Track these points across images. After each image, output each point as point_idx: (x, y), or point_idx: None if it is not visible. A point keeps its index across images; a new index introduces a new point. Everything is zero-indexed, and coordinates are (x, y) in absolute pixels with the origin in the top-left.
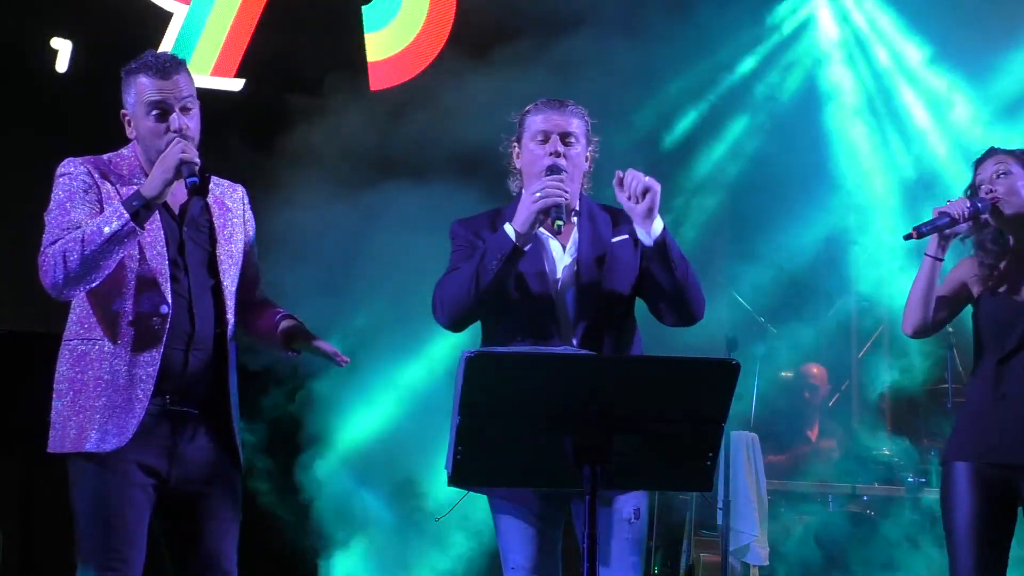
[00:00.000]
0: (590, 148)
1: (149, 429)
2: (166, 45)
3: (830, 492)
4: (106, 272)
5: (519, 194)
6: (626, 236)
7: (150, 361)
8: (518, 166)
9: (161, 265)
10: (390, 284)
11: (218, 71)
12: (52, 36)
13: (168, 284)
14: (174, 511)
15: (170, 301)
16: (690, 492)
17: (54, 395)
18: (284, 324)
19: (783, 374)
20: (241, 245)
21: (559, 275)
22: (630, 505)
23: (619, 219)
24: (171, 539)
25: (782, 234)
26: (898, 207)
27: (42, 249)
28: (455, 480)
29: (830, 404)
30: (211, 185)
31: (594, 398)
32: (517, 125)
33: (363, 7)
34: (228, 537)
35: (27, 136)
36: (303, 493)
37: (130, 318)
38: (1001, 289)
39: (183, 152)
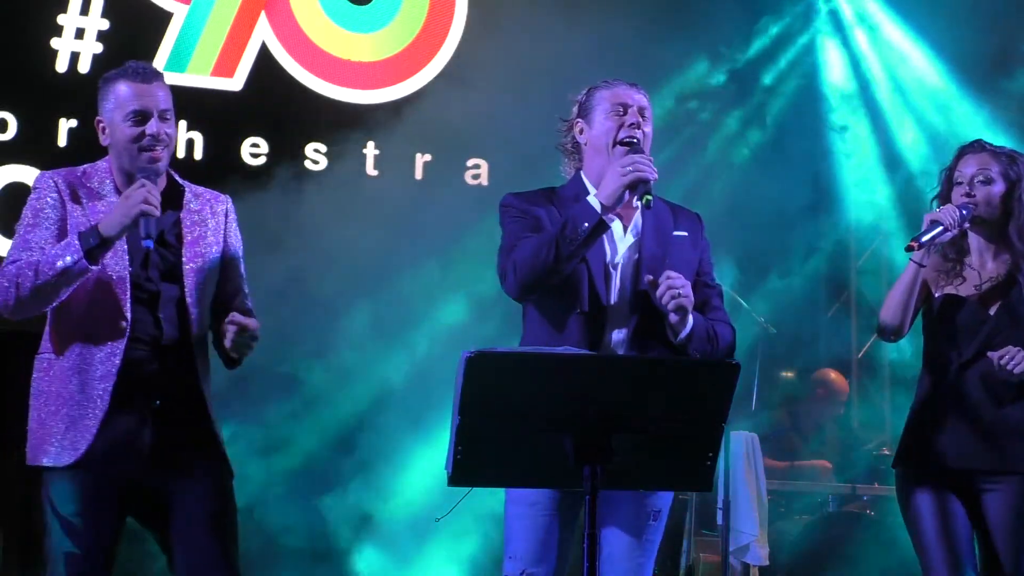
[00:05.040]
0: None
1: (122, 436)
2: (166, 45)
3: (830, 492)
4: (58, 300)
5: (575, 175)
6: (686, 233)
7: (106, 376)
8: (581, 141)
9: (122, 279)
10: None
11: (218, 71)
12: (52, 36)
13: (128, 298)
14: (157, 513)
15: (129, 316)
16: (690, 492)
17: (30, 407)
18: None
19: (783, 374)
20: (216, 256)
21: (620, 257)
22: (648, 506)
23: (678, 215)
24: (162, 540)
25: (783, 231)
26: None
27: (2, 266)
28: (455, 480)
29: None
30: (188, 196)
31: (594, 398)
32: (578, 104)
33: (362, 7)
34: (222, 533)
35: (25, 132)
36: None
37: (89, 333)
38: (962, 292)
39: (145, 203)
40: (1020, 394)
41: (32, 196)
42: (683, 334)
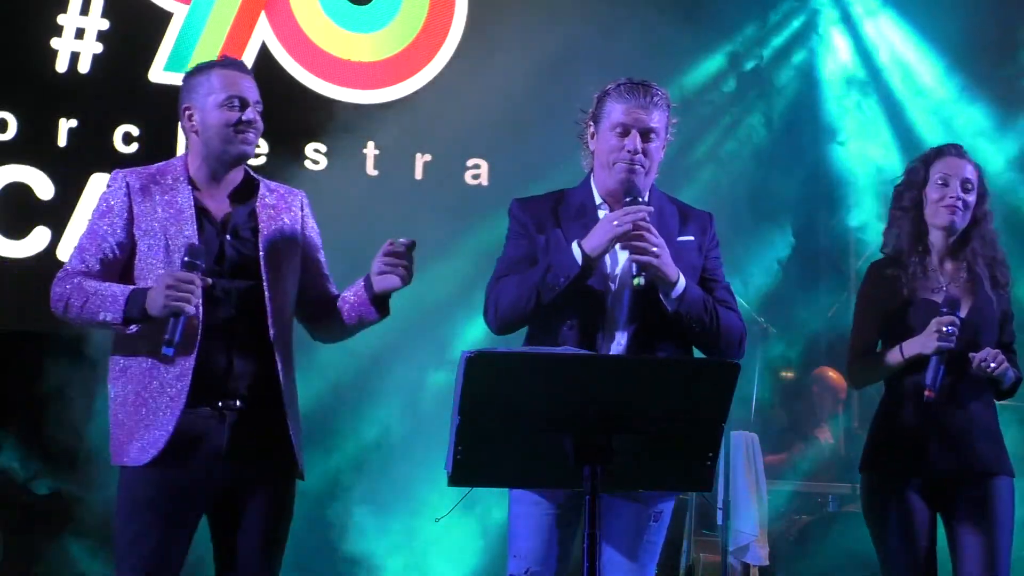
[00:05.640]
0: (668, 135)
1: (200, 434)
2: (166, 45)
3: (830, 492)
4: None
5: (587, 177)
6: (692, 238)
7: (182, 374)
8: (591, 147)
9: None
10: None
11: None
12: (52, 36)
13: (201, 295)
14: (221, 510)
15: (202, 314)
16: (690, 492)
17: (109, 409)
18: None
19: (783, 374)
20: (295, 250)
21: (618, 270)
22: (650, 508)
23: (688, 217)
24: (215, 537)
25: (783, 231)
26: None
27: (66, 264)
28: (455, 480)
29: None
30: (262, 191)
31: (594, 398)
32: (595, 102)
33: (362, 7)
34: (270, 538)
35: (25, 132)
36: None
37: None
38: (927, 295)
39: (185, 302)
40: (988, 396)
41: (102, 195)
42: (674, 294)
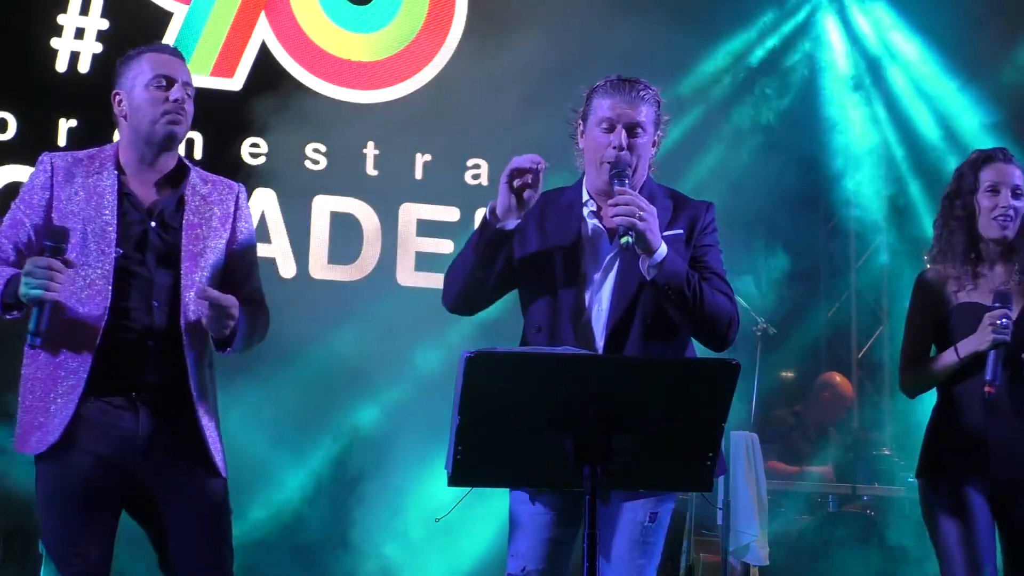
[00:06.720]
0: (658, 132)
1: (107, 424)
2: None
3: (830, 492)
4: None
5: (580, 179)
6: (680, 231)
7: (82, 362)
8: (580, 146)
9: (105, 263)
10: None
11: (218, 71)
12: (52, 36)
13: (111, 284)
14: (148, 507)
15: (109, 302)
16: (690, 492)
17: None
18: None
19: (783, 374)
20: (220, 244)
21: (601, 268)
22: (646, 508)
23: (681, 210)
24: (151, 538)
25: (783, 231)
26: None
27: None
28: (455, 480)
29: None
30: (195, 180)
31: (594, 398)
32: (583, 99)
33: (362, 7)
34: (215, 538)
35: (25, 132)
36: None
37: (73, 319)
38: (979, 299)
39: (45, 289)
40: None
41: (30, 175)
42: (652, 261)
